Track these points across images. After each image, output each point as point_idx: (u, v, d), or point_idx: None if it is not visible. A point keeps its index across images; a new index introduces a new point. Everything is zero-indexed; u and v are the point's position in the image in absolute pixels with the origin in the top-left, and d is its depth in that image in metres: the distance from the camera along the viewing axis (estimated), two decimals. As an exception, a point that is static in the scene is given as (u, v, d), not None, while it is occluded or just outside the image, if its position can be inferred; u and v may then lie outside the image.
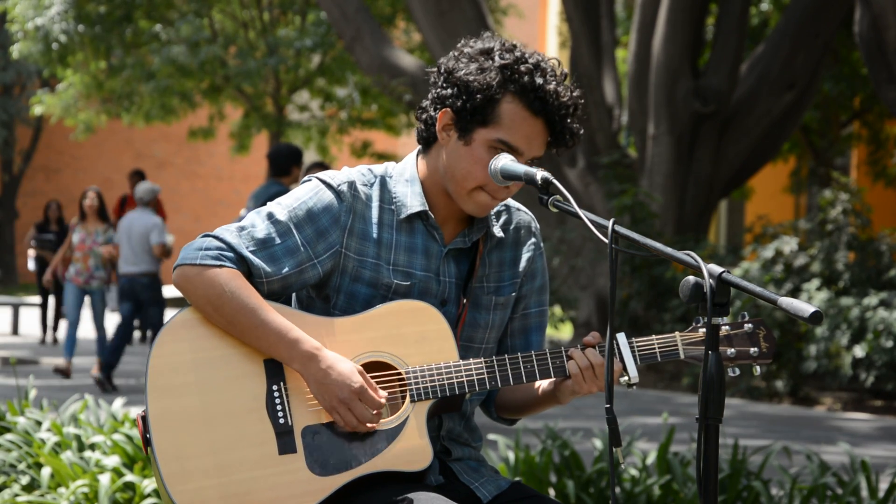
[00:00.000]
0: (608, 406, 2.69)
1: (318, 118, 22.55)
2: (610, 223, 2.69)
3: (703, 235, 14.94)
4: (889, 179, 19.61)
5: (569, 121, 2.95)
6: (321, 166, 10.00)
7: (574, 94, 2.97)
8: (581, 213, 2.76)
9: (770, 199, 21.84)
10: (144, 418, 2.89)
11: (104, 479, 5.40)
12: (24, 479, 5.82)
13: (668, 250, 2.69)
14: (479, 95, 2.93)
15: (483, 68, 2.95)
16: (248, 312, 2.87)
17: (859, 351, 11.30)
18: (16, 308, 18.25)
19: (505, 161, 2.91)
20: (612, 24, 15.84)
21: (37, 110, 22.14)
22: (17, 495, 5.70)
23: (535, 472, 5.68)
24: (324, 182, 2.99)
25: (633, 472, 5.77)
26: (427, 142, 3.04)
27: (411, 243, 3.01)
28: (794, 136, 18.84)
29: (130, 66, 20.21)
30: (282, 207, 2.97)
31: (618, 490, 5.59)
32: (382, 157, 22.48)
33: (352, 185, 2.99)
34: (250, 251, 2.92)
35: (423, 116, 3.03)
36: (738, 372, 3.00)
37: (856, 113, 19.75)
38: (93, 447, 5.96)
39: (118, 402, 6.65)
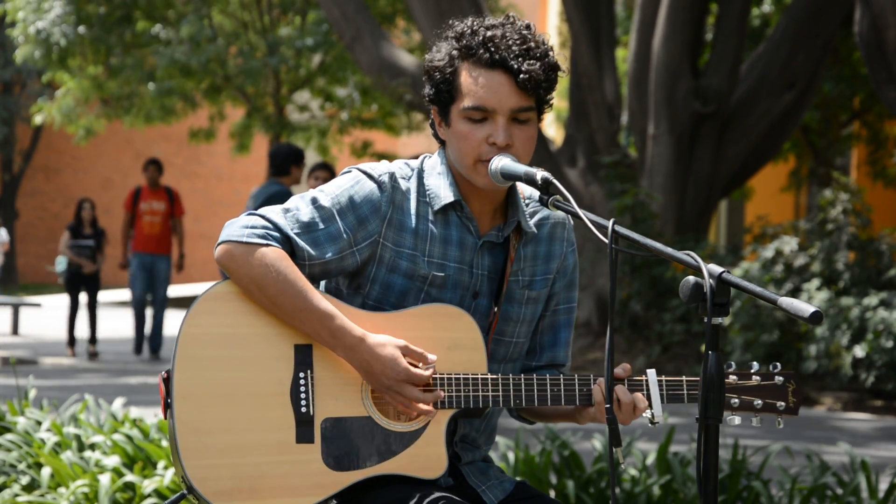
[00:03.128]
0: (608, 406, 2.70)
1: (319, 118, 22.56)
2: (610, 223, 2.69)
3: (703, 235, 14.93)
4: (889, 179, 19.61)
5: (524, 59, 2.91)
6: (325, 167, 9.99)
7: (534, 34, 2.94)
8: (581, 213, 2.75)
9: (770, 199, 21.83)
10: (167, 381, 2.88)
11: (104, 479, 5.39)
12: (24, 479, 5.82)
13: (668, 250, 2.69)
14: (437, 75, 2.96)
15: (439, 50, 2.99)
16: (294, 294, 2.87)
17: (859, 351, 11.30)
18: (16, 308, 18.23)
19: (504, 161, 2.91)
20: (612, 24, 15.83)
21: (37, 119, 22.12)
22: (17, 495, 5.70)
23: (535, 473, 5.68)
24: (364, 173, 3.00)
25: (633, 472, 5.77)
26: (442, 140, 3.07)
27: (446, 235, 3.01)
28: (794, 136, 18.83)
29: (130, 67, 20.20)
30: (325, 194, 2.97)
31: (618, 490, 5.59)
32: (383, 156, 22.47)
33: (392, 176, 3.00)
34: (295, 233, 2.93)
35: (430, 122, 3.07)
36: (760, 423, 3.00)
37: (856, 113, 19.75)
38: (93, 447, 5.96)
39: (118, 402, 6.65)
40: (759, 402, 2.99)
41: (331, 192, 2.98)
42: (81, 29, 19.86)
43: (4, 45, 28.42)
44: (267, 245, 2.89)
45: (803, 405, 12.03)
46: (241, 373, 2.89)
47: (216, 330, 2.89)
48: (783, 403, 3.00)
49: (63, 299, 25.59)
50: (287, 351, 2.91)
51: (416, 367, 2.91)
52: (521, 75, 2.91)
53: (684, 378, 3.00)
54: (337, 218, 2.95)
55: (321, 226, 2.94)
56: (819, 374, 12.24)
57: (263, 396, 2.88)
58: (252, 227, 2.91)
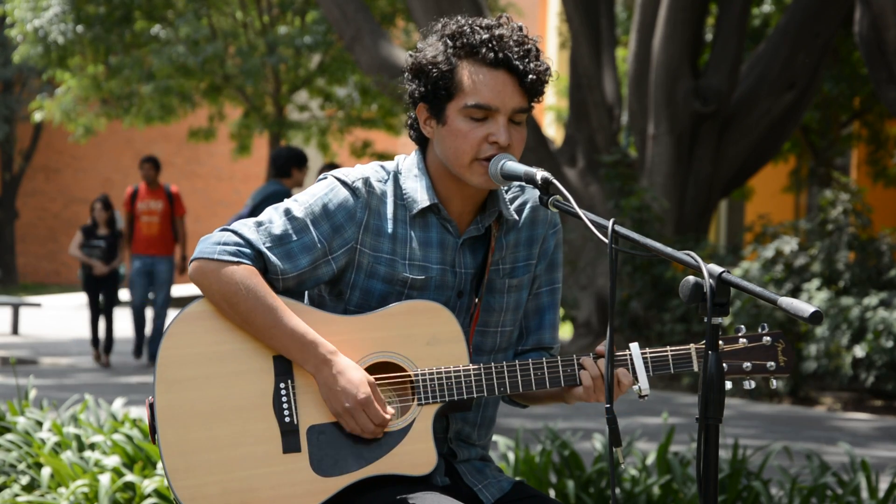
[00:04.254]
0: (608, 406, 2.69)
1: (319, 118, 22.57)
2: (610, 223, 2.69)
3: (703, 235, 14.94)
4: (889, 179, 19.61)
5: (529, 61, 2.92)
6: (333, 167, 10.00)
7: (529, 36, 2.95)
8: (581, 213, 2.75)
9: (770, 199, 21.83)
10: (153, 405, 2.89)
11: (104, 479, 5.39)
12: (24, 479, 5.82)
13: (668, 250, 2.69)
14: (434, 72, 2.94)
15: (433, 47, 2.97)
16: (264, 312, 2.88)
17: (859, 351, 11.30)
18: (16, 308, 18.21)
19: (505, 161, 2.91)
20: (612, 24, 15.84)
21: (37, 116, 22.11)
22: (17, 495, 5.70)
23: (535, 472, 5.67)
24: (339, 179, 2.99)
25: (633, 472, 5.77)
26: (421, 142, 3.05)
27: (426, 237, 3.00)
28: (794, 136, 18.83)
29: (129, 67, 20.21)
30: (298, 204, 2.97)
31: (618, 490, 5.59)
32: (382, 156, 22.48)
33: (366, 181, 2.99)
34: (267, 247, 2.92)
35: (409, 122, 3.05)
36: (753, 385, 2.99)
37: (856, 113, 19.75)
38: (93, 447, 5.96)
39: (118, 402, 6.65)
40: (749, 364, 2.97)
41: (304, 202, 2.97)
42: (80, 28, 19.86)
43: (5, 44, 28.41)
44: (238, 262, 2.90)
45: (803, 405, 12.03)
46: (222, 389, 2.89)
47: (194, 349, 2.90)
48: (773, 363, 2.98)
49: (63, 299, 25.62)
50: (266, 363, 2.91)
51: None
52: (530, 76, 2.91)
53: (669, 349, 2.99)
54: (311, 228, 2.94)
55: (294, 237, 2.93)
56: (819, 374, 12.24)
57: (246, 410, 2.88)
58: (224, 244, 2.91)
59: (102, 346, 14.20)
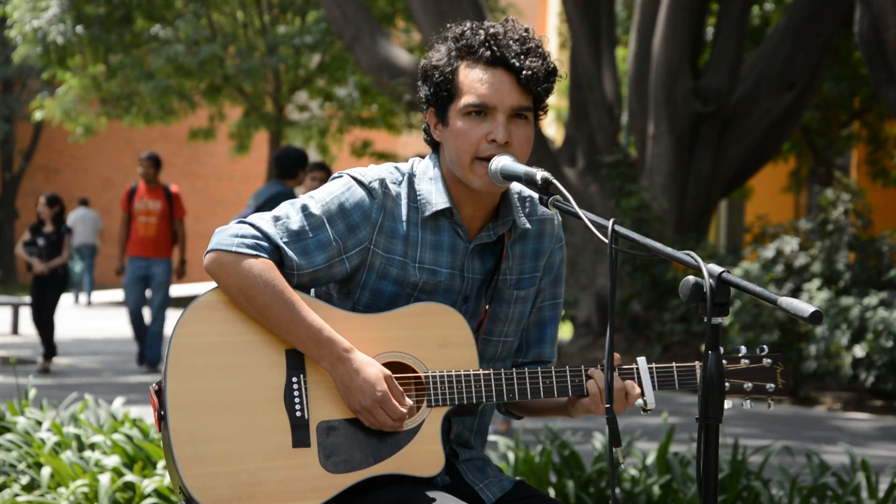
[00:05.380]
0: (608, 406, 2.70)
1: (318, 118, 22.57)
2: (610, 223, 2.69)
3: (703, 235, 14.94)
4: (889, 179, 19.62)
5: (527, 58, 2.92)
6: (322, 168, 9.98)
7: (531, 35, 2.96)
8: (581, 212, 2.75)
9: (770, 199, 21.84)
10: (159, 393, 2.88)
11: (104, 479, 5.39)
12: (24, 479, 5.82)
13: (668, 250, 2.69)
14: (437, 74, 2.96)
15: (438, 51, 2.99)
16: (282, 306, 2.87)
17: (859, 351, 11.30)
18: (16, 308, 18.21)
19: (505, 161, 2.91)
20: (612, 24, 15.84)
21: (37, 115, 22.11)
22: (17, 495, 5.70)
23: (535, 472, 5.68)
24: (355, 179, 2.99)
25: (633, 472, 5.77)
26: (435, 147, 3.06)
27: (437, 241, 3.01)
28: (794, 136, 18.84)
29: (129, 67, 20.22)
30: (315, 201, 2.96)
31: (618, 490, 5.59)
32: (382, 156, 22.48)
33: (382, 182, 2.99)
34: (284, 242, 2.92)
35: (424, 127, 3.07)
36: (750, 405, 3.02)
37: (856, 113, 19.75)
38: (93, 447, 5.96)
39: (118, 402, 6.65)
40: (749, 384, 3.02)
41: (321, 199, 2.96)
42: (79, 29, 19.87)
43: (5, 43, 28.42)
44: (257, 256, 2.89)
45: (803, 405, 12.03)
46: (234, 380, 2.89)
47: (207, 339, 2.89)
48: (772, 385, 3.03)
49: (62, 299, 25.61)
50: (278, 357, 2.91)
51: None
52: (525, 72, 2.91)
53: (674, 365, 3.02)
54: (327, 226, 2.94)
55: (310, 234, 2.93)
56: (819, 374, 12.24)
57: (258, 403, 2.88)
58: (242, 237, 2.90)
59: (43, 351, 13.17)
